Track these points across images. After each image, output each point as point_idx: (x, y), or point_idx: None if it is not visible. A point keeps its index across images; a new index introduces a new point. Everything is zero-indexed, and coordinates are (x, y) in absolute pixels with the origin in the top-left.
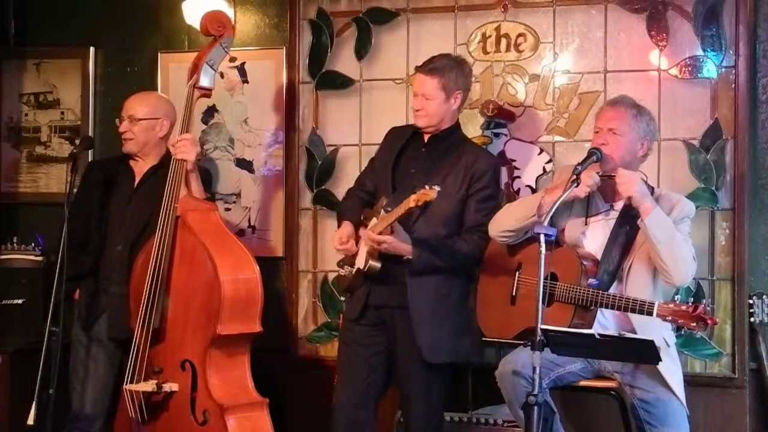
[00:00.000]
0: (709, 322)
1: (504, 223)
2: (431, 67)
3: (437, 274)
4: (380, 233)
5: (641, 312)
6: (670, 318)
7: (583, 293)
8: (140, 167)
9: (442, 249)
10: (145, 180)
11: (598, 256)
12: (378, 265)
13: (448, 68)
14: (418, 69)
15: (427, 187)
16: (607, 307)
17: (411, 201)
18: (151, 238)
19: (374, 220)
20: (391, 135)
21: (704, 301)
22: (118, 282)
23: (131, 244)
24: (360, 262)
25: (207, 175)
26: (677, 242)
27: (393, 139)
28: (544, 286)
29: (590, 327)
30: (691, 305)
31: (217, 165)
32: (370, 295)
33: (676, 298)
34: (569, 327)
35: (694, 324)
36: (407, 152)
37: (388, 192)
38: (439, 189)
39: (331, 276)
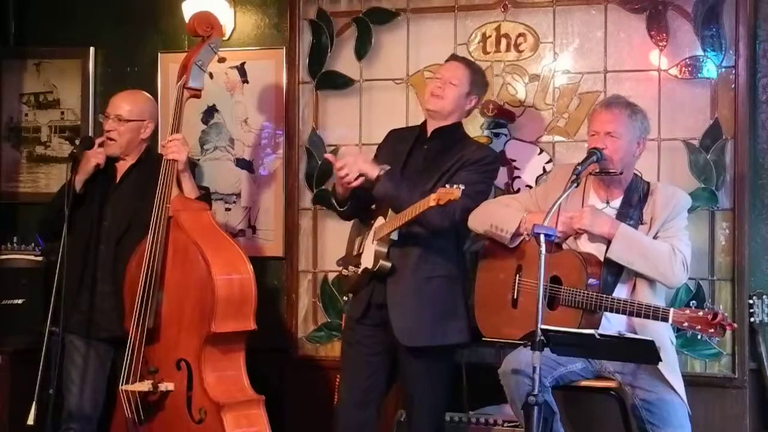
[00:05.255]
0: (728, 328)
1: (479, 223)
2: (470, 61)
3: (417, 248)
4: (384, 235)
5: (655, 318)
6: (686, 324)
7: (591, 297)
8: (120, 166)
9: (411, 190)
10: (123, 179)
11: (599, 255)
12: (389, 264)
13: (480, 71)
14: (454, 57)
15: (448, 186)
16: (617, 312)
17: (431, 200)
18: (143, 239)
19: (380, 219)
20: (393, 138)
21: (706, 303)
22: (102, 280)
23: (115, 243)
24: (368, 262)
25: (192, 165)
26: (650, 251)
27: (397, 142)
28: (546, 289)
29: (597, 329)
30: (710, 312)
31: (217, 165)
32: (373, 294)
33: (691, 304)
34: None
35: (713, 330)
36: (411, 154)
37: None
38: (463, 188)
39: (331, 276)
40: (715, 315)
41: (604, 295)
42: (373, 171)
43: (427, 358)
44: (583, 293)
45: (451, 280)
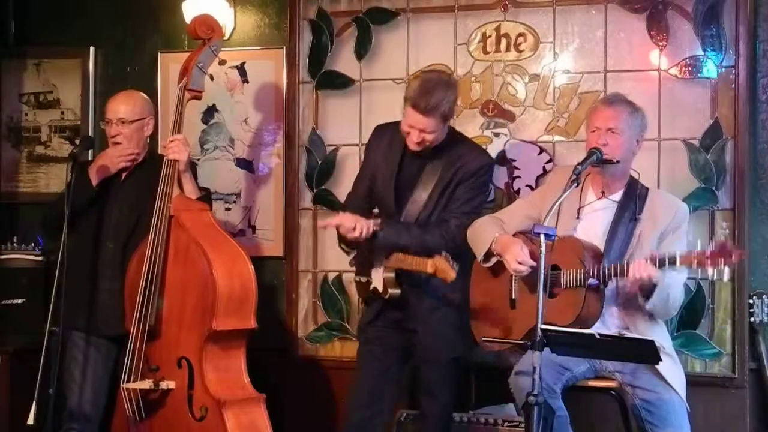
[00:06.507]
0: (735, 255)
1: (469, 243)
2: (429, 107)
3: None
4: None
5: (662, 266)
6: (695, 264)
7: (594, 270)
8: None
9: (409, 230)
10: (128, 177)
11: (599, 246)
12: (398, 292)
13: (445, 100)
14: (413, 107)
15: (444, 255)
16: (622, 276)
17: (429, 267)
18: (145, 238)
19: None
20: (383, 140)
21: (706, 303)
22: (109, 278)
23: (123, 241)
24: (377, 283)
25: (192, 166)
26: (671, 298)
27: (387, 145)
28: (547, 278)
29: (598, 317)
30: (715, 246)
31: (216, 165)
32: (385, 310)
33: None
34: (578, 315)
35: (723, 259)
36: (404, 160)
37: (391, 206)
38: (457, 268)
39: (332, 276)
40: (723, 245)
41: (605, 266)
42: (369, 228)
43: (446, 364)
44: (584, 271)
45: (465, 293)
